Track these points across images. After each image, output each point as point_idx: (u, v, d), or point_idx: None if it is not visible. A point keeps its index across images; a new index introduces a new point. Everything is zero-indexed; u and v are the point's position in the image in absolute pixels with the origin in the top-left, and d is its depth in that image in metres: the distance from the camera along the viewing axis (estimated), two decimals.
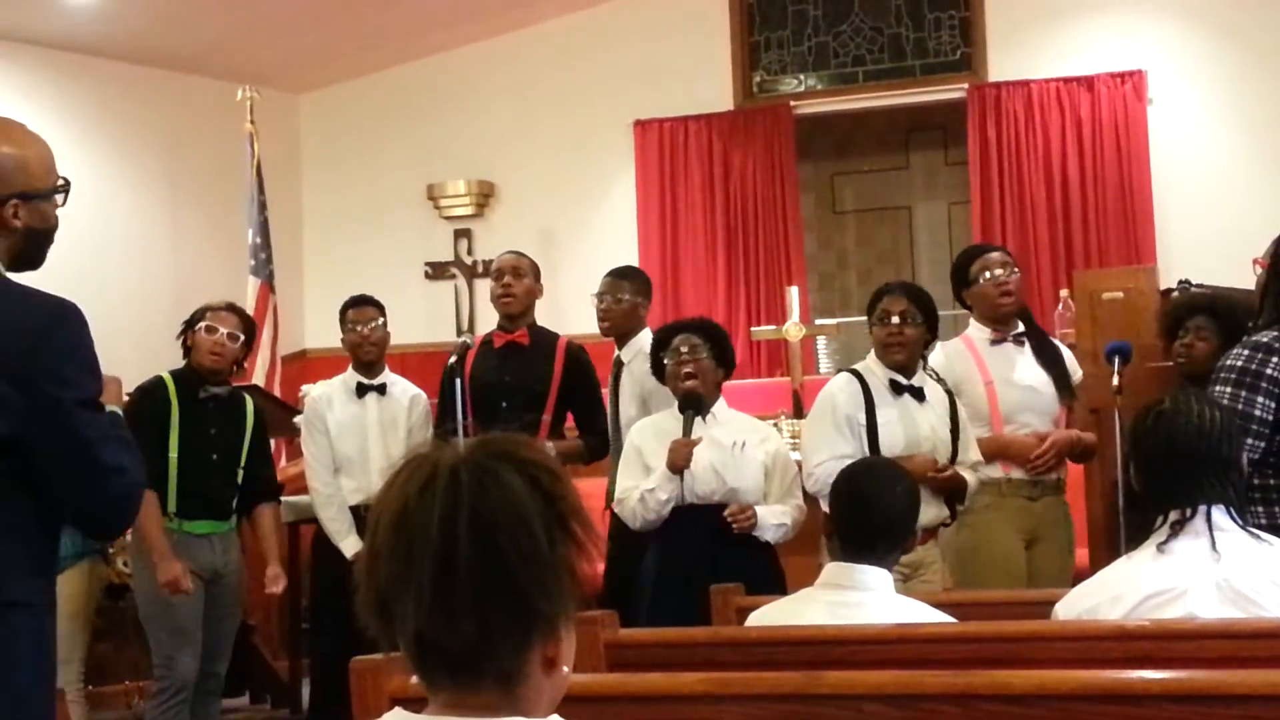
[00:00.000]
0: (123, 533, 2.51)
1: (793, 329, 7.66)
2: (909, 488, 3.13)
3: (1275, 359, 3.39)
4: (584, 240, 9.53)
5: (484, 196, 9.90)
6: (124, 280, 8.63)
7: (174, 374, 4.94)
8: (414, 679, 1.43)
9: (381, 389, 5.38)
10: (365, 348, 5.36)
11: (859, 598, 2.90)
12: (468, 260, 9.86)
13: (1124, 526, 4.33)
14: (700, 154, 9.49)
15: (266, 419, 5.23)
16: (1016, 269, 4.72)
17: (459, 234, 9.93)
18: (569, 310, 7.40)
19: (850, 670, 2.20)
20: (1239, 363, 3.43)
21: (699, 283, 9.40)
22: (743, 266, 9.39)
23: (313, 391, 5.56)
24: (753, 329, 8.62)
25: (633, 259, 9.34)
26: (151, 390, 4.91)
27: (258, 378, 8.15)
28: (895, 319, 4.34)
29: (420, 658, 1.38)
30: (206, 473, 4.88)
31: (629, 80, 9.57)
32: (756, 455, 4.40)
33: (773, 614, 3.02)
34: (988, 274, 4.66)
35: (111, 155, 8.89)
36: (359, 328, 5.37)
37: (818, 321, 8.70)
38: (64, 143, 9.24)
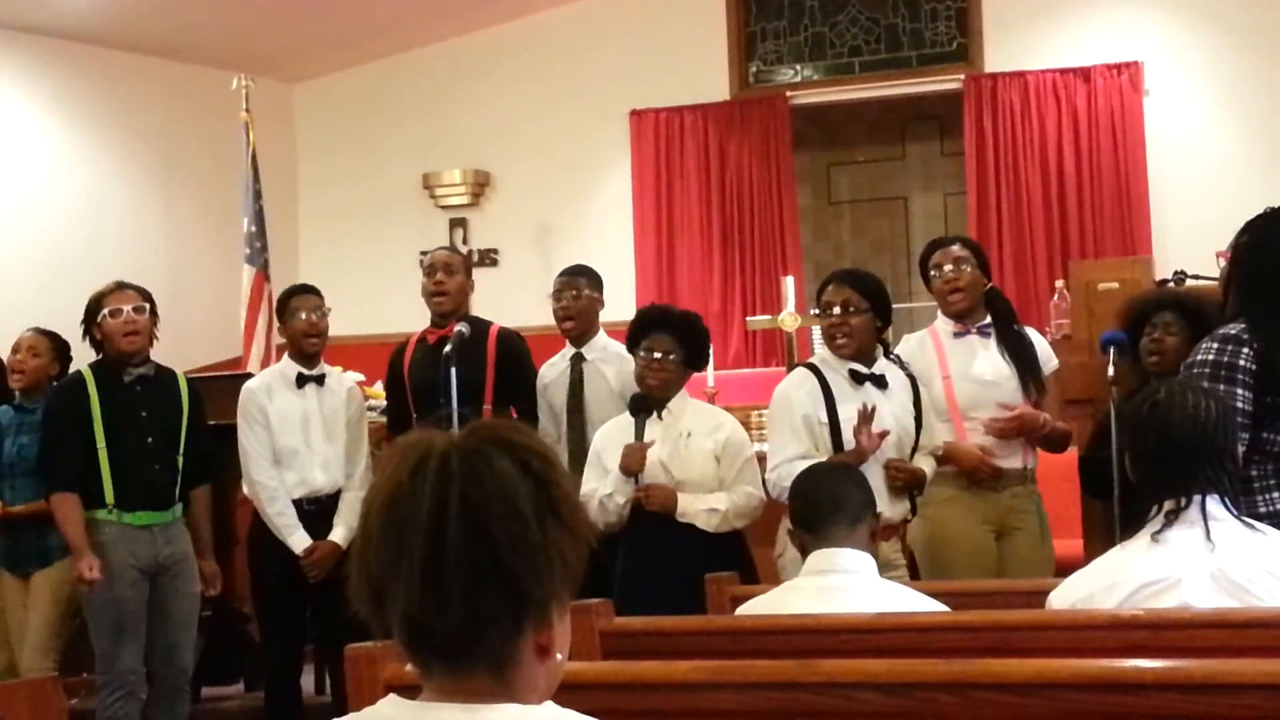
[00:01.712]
0: None
1: (788, 319, 7.65)
2: (851, 470, 3.32)
3: (1246, 350, 3.37)
4: (580, 230, 9.52)
5: (480, 186, 9.89)
6: (118, 269, 8.52)
7: (92, 365, 4.86)
8: (409, 666, 1.43)
9: (320, 380, 5.20)
10: (311, 337, 5.15)
11: (843, 580, 2.92)
12: (463, 250, 9.85)
13: (1119, 516, 4.33)
14: (696, 144, 9.49)
15: (211, 400, 5.11)
16: (968, 265, 4.58)
17: (454, 223, 9.92)
18: (549, 306, 7.36)
19: (844, 659, 2.20)
20: (1211, 356, 3.41)
21: (695, 272, 9.40)
22: (738, 256, 9.39)
23: (249, 381, 5.38)
24: (748, 319, 8.61)
25: (628, 249, 9.35)
26: (68, 388, 4.85)
27: (253, 366, 8.13)
28: (837, 309, 4.23)
29: (411, 642, 1.38)
30: (143, 458, 4.78)
31: (625, 70, 9.56)
32: (704, 445, 4.35)
33: (763, 603, 3.02)
34: (937, 272, 4.60)
35: (106, 144, 8.87)
36: (307, 314, 5.14)
37: (813, 312, 8.68)
38: (59, 131, 9.34)
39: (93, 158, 8.79)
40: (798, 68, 9.64)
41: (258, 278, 8.43)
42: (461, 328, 5.07)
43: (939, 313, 4.69)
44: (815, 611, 2.82)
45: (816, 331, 9.36)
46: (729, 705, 2.05)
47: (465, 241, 9.85)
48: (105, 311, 4.78)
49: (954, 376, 4.55)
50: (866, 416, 4.09)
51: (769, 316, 8.13)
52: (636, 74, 9.54)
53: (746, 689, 2.05)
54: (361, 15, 9.35)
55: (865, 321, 4.24)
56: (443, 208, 9.94)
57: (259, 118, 8.58)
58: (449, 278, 5.23)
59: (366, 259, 9.69)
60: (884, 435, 4.11)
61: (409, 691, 1.43)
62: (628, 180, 9.59)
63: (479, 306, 8.91)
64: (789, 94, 9.50)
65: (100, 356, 4.86)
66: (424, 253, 9.97)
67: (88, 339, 4.86)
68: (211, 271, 9.03)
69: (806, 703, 2.02)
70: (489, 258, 9.82)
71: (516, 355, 5.21)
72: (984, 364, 4.57)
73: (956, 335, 4.60)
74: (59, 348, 5.33)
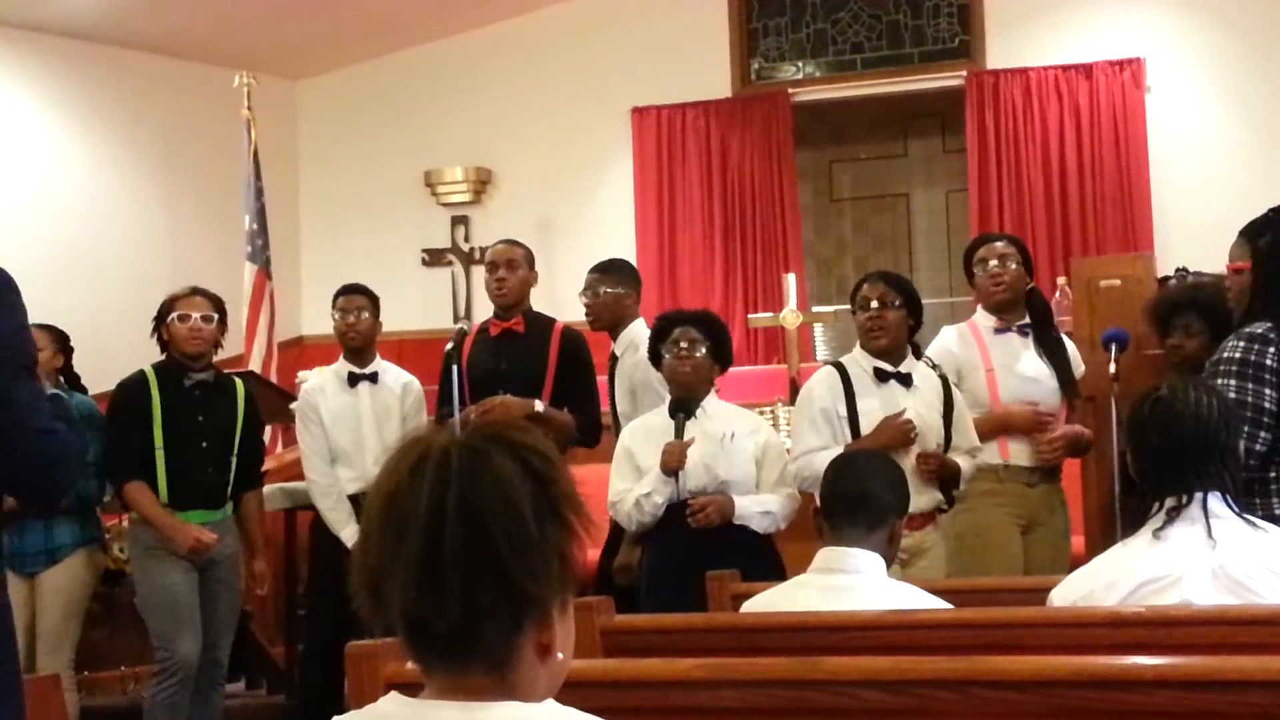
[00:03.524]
0: (59, 499, 2.43)
1: (790, 316, 7.66)
2: (891, 469, 3.21)
3: (1272, 350, 3.37)
4: (581, 227, 9.52)
5: (481, 183, 9.89)
6: (120, 266, 8.62)
7: (155, 366, 4.96)
8: (410, 664, 1.43)
9: (374, 377, 5.37)
10: (350, 335, 5.37)
11: (850, 581, 2.91)
12: (465, 247, 9.86)
13: (1120, 513, 4.34)
14: (698, 141, 9.49)
15: (258, 404, 5.22)
16: (1014, 261, 4.69)
17: (456, 221, 9.92)
18: (566, 298, 7.39)
19: (846, 656, 2.20)
20: (1238, 354, 3.40)
21: (696, 270, 9.40)
22: (740, 254, 9.39)
23: (306, 382, 5.54)
24: (750, 316, 8.62)
25: (630, 246, 9.35)
26: (131, 385, 4.92)
27: (254, 364, 8.14)
28: (875, 304, 4.34)
29: (410, 639, 1.38)
30: (197, 460, 4.89)
31: (627, 67, 9.55)
32: (746, 446, 4.40)
33: (767, 600, 3.02)
34: (983, 267, 4.69)
35: (108, 141, 8.87)
36: (345, 316, 5.37)
37: (815, 309, 8.70)
38: (61, 129, 9.33)
39: (95, 155, 8.79)
40: (799, 64, 9.63)
41: (259, 275, 8.44)
42: (463, 325, 5.14)
43: (978, 308, 4.80)
44: (818, 609, 2.82)
45: (818, 329, 9.41)
46: (730, 703, 2.05)
47: (467, 239, 9.85)
48: (175, 315, 4.90)
49: (997, 370, 4.65)
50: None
51: (770, 314, 8.13)
52: (638, 71, 9.53)
53: (748, 686, 2.05)
54: (363, 12, 9.35)
55: (899, 317, 4.35)
56: (444, 205, 9.94)
57: (260, 115, 8.59)
58: (510, 273, 5.29)
59: (368, 256, 9.69)
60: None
61: (410, 689, 1.43)
62: (629, 177, 9.59)
63: (480, 304, 8.96)
64: (791, 91, 9.49)
65: (164, 357, 4.96)
66: (426, 251, 10.07)
67: (155, 337, 4.97)
68: (213, 269, 8.99)
69: (808, 700, 2.02)
70: None
71: (581, 355, 5.28)
72: (1026, 361, 4.69)
73: (997, 331, 4.70)
74: (59, 339, 5.34)
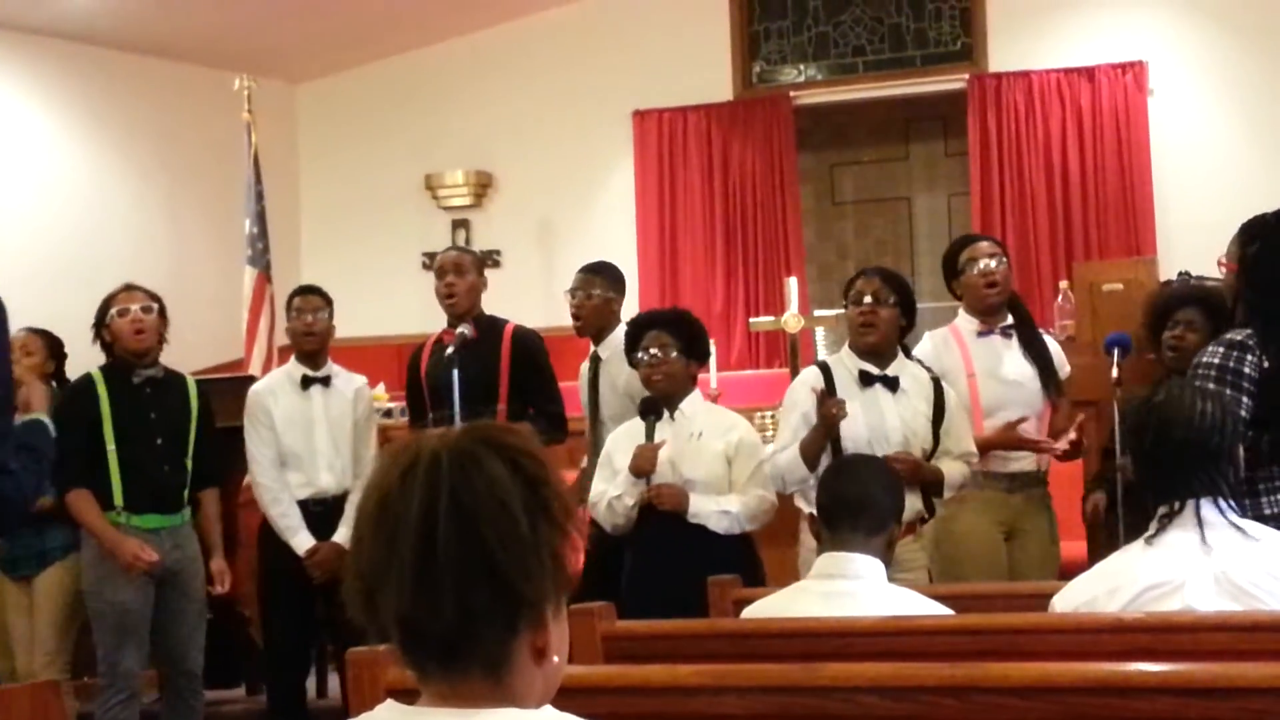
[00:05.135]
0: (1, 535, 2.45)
1: (791, 320, 7.63)
2: (889, 473, 3.23)
3: (1250, 357, 3.38)
4: (582, 231, 9.52)
5: (482, 187, 9.89)
6: (120, 270, 8.53)
7: (102, 368, 4.87)
8: (409, 671, 1.42)
9: (326, 381, 5.20)
10: (306, 336, 5.17)
11: (851, 586, 2.90)
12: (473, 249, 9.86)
13: (1122, 518, 4.32)
14: (699, 144, 9.49)
15: (212, 402, 5.13)
16: (1004, 259, 4.65)
17: (457, 224, 9.92)
18: (565, 301, 7.38)
19: (848, 662, 2.19)
20: (1216, 360, 3.41)
21: (697, 273, 9.40)
22: (741, 257, 9.39)
23: (255, 385, 5.39)
24: (751, 320, 8.60)
25: (631, 250, 9.34)
26: (76, 387, 4.85)
27: (254, 368, 8.13)
28: (868, 299, 4.28)
29: (405, 644, 1.38)
30: (152, 459, 4.80)
31: (628, 70, 9.56)
32: (714, 446, 4.34)
33: (768, 606, 3.01)
34: (974, 265, 4.62)
35: (108, 144, 8.87)
36: (302, 316, 5.16)
37: (816, 313, 8.67)
38: (61, 132, 9.33)
39: (95, 159, 8.78)
40: (801, 68, 9.63)
41: (259, 279, 8.42)
42: (464, 329, 5.08)
43: (961, 310, 4.71)
44: (819, 615, 2.81)
45: (820, 333, 9.39)
46: (731, 709, 2.04)
47: (468, 242, 9.83)
48: (113, 311, 4.81)
49: (979, 375, 4.58)
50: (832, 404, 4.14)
51: (772, 318, 8.11)
52: (640, 74, 9.53)
53: (749, 693, 2.05)
54: (364, 15, 9.35)
55: (892, 314, 4.29)
56: (445, 208, 9.94)
57: (261, 118, 8.59)
58: (459, 279, 5.22)
59: (369, 260, 9.69)
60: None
61: (408, 696, 1.42)
62: (630, 181, 9.59)
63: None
64: (792, 94, 9.49)
65: (110, 359, 4.88)
66: (427, 254, 10.05)
67: (98, 342, 4.89)
68: (213, 273, 9.03)
69: (809, 706, 2.01)
70: (491, 259, 9.79)
71: (532, 354, 5.21)
72: (1009, 364, 4.61)
73: (980, 334, 4.63)
74: (52, 345, 5.32)
